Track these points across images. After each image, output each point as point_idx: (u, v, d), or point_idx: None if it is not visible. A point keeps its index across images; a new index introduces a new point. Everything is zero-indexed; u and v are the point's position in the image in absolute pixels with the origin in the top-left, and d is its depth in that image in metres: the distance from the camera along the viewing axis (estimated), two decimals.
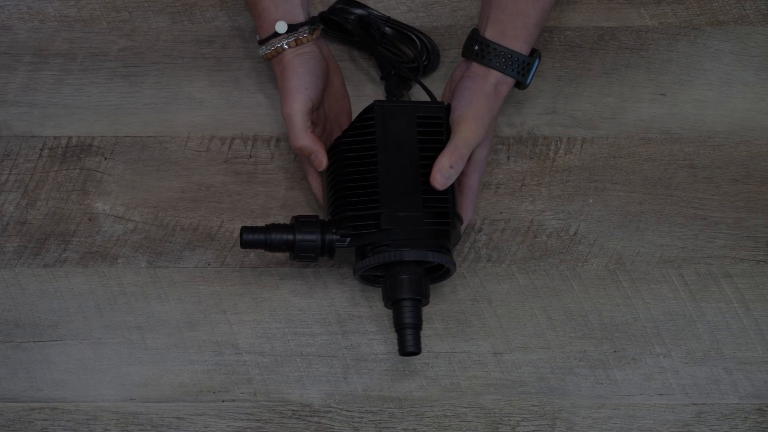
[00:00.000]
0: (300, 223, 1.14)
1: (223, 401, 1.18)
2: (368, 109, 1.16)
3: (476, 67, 1.16)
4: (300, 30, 1.17)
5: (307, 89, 1.16)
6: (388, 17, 1.27)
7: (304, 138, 1.15)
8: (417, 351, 1.13)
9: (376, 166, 1.14)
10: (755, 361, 1.20)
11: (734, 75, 1.29)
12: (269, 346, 1.20)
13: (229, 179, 1.25)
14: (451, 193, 1.15)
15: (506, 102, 1.27)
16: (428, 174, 1.13)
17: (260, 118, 1.26)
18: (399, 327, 1.13)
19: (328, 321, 1.20)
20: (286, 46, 1.17)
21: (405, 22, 1.27)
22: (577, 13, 1.31)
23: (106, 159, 1.25)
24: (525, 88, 1.18)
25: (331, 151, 1.16)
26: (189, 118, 1.26)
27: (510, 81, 1.16)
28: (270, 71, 1.27)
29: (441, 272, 1.16)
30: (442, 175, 1.13)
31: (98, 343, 1.19)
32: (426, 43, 1.26)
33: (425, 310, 1.20)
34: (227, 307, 1.21)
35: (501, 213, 1.24)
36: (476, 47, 1.16)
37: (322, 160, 1.15)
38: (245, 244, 1.14)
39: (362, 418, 1.18)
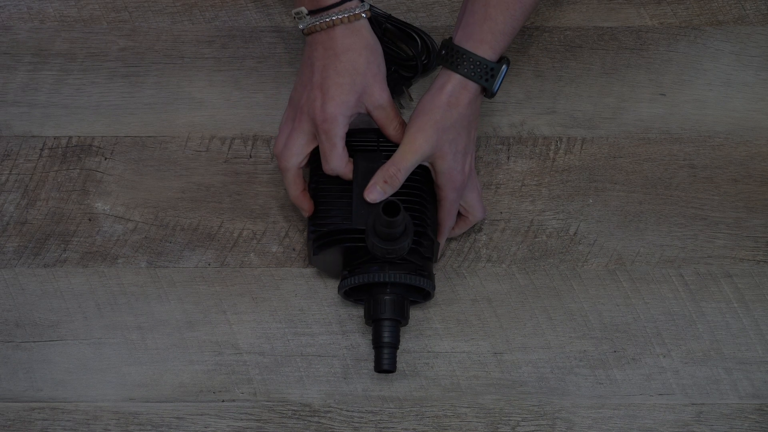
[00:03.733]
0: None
1: (223, 401, 1.18)
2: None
3: (441, 75, 1.15)
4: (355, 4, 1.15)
5: (382, 62, 1.16)
6: (390, 15, 1.27)
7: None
8: (392, 369, 1.15)
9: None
10: (755, 361, 1.20)
11: (734, 75, 1.28)
12: (269, 346, 1.20)
13: (229, 179, 1.25)
14: (429, 216, 1.16)
15: (506, 102, 1.27)
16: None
17: (260, 118, 1.26)
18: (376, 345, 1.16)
19: (328, 321, 1.21)
20: (348, 19, 1.14)
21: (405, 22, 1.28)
22: (577, 13, 1.31)
23: (106, 159, 1.25)
24: (492, 97, 1.15)
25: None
26: (189, 118, 1.26)
27: (473, 87, 1.14)
28: (265, 70, 1.27)
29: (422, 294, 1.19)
30: (372, 189, 1.14)
31: (98, 343, 1.20)
32: (427, 42, 1.26)
33: (427, 308, 1.20)
34: (227, 307, 1.21)
35: (501, 213, 1.24)
36: (443, 51, 1.15)
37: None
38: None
39: (362, 418, 1.18)
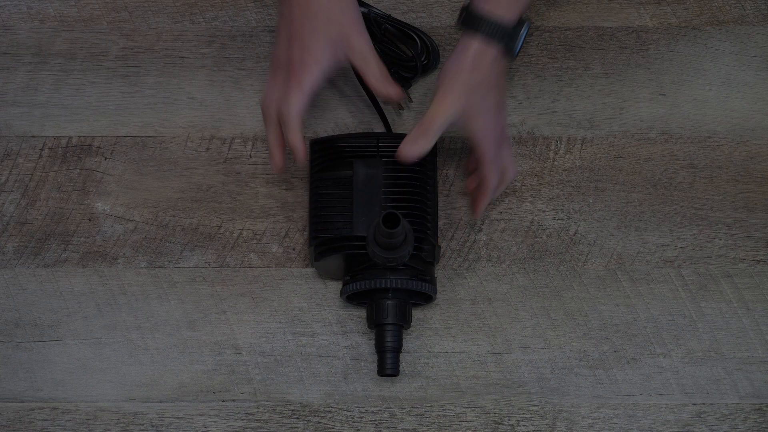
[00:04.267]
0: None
1: (223, 401, 1.18)
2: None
3: (462, 40, 1.15)
4: None
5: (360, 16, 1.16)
6: (389, 15, 1.27)
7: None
8: (395, 373, 1.16)
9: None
10: (755, 361, 1.20)
11: (734, 75, 1.28)
12: (269, 346, 1.20)
13: (229, 179, 1.25)
14: (429, 220, 1.16)
15: (506, 102, 1.27)
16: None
17: (260, 118, 1.26)
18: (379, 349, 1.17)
19: (328, 321, 1.21)
20: None
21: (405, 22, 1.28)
22: (577, 13, 1.31)
23: (106, 159, 1.25)
24: (514, 58, 1.16)
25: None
26: (189, 118, 1.26)
27: (493, 49, 1.14)
28: (265, 70, 1.27)
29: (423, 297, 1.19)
30: (404, 146, 1.13)
31: (98, 343, 1.20)
32: (426, 43, 1.26)
33: (427, 309, 1.20)
34: (227, 307, 1.21)
35: (501, 213, 1.24)
36: (463, 15, 1.15)
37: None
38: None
39: (362, 418, 1.18)
